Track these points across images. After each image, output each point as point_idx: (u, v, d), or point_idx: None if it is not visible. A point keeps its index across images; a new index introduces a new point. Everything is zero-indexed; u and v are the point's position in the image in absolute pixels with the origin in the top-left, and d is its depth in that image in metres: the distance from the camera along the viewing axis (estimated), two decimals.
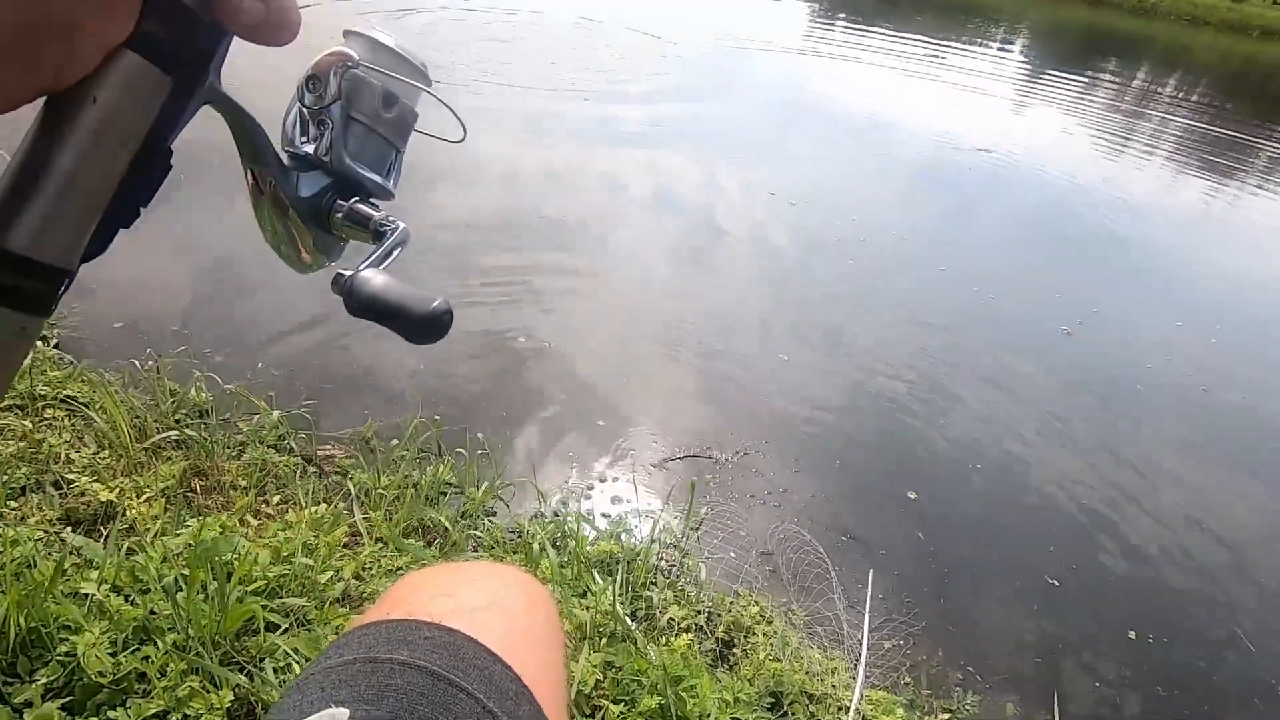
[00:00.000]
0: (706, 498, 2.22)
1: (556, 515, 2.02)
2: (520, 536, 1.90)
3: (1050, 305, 3.83)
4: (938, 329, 3.42)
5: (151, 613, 1.22)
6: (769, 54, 8.94)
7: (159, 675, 1.14)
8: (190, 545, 1.35)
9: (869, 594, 1.99)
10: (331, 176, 0.48)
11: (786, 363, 2.98)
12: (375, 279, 0.41)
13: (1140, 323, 3.84)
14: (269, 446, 2.00)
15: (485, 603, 0.55)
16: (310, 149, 0.47)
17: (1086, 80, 11.72)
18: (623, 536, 1.91)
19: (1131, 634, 2.03)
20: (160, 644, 1.17)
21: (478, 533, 1.83)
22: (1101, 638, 2.01)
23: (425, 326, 0.39)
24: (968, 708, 1.74)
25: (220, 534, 1.39)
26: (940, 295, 3.75)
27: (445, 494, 2.01)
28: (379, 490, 1.89)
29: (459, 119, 0.54)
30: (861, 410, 2.79)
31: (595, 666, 1.34)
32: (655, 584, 1.80)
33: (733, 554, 2.05)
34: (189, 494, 1.72)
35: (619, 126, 5.28)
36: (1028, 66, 12.57)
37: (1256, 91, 14.77)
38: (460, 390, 2.55)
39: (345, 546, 1.64)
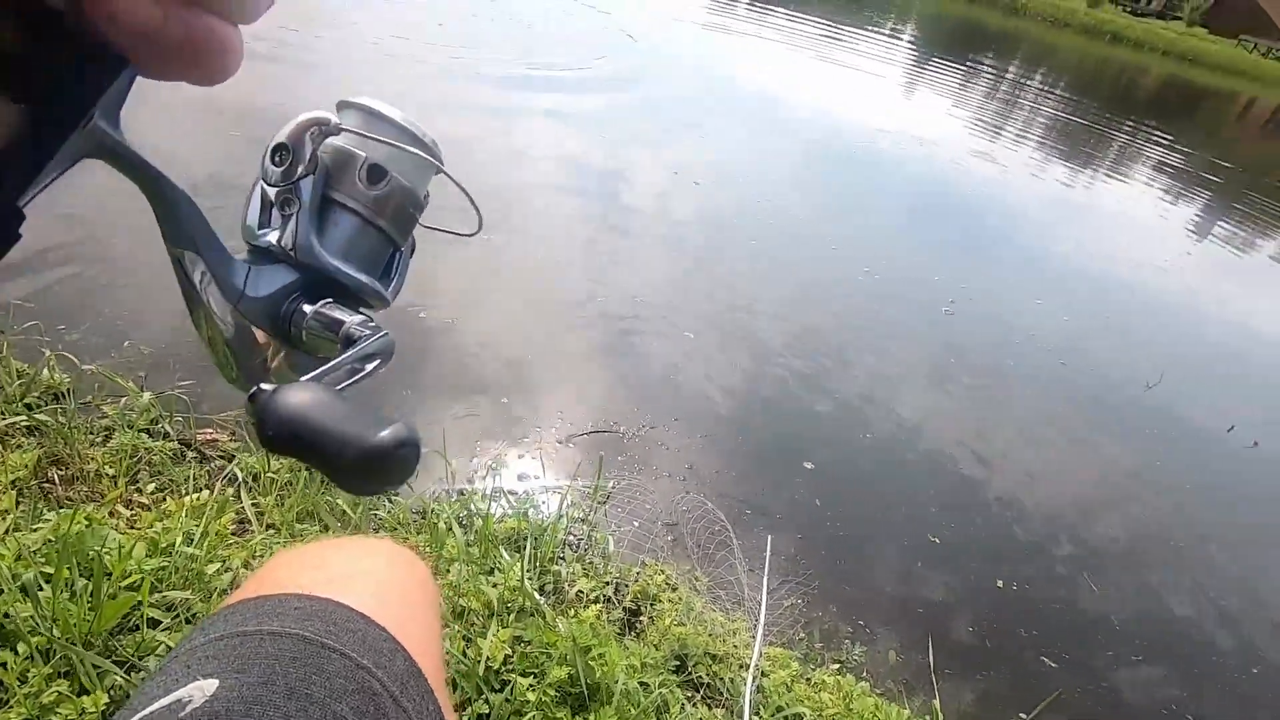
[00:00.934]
0: (613, 472, 2.25)
1: (462, 493, 1.99)
2: (425, 516, 1.86)
3: (931, 285, 4.10)
4: (833, 309, 3.59)
5: (6, 615, 1.11)
6: (677, 27, 8.94)
7: (19, 683, 1.04)
8: (50, 541, 1.24)
9: (768, 558, 2.09)
10: (298, 272, 0.38)
11: (692, 340, 3.04)
12: (299, 396, 0.28)
13: (1007, 300, 4.19)
14: (140, 431, 1.84)
15: (356, 571, 0.55)
16: (273, 238, 0.38)
17: (967, 69, 12.50)
18: (530, 513, 1.91)
19: (999, 583, 2.24)
20: (20, 649, 1.07)
21: (379, 514, 1.77)
22: (974, 588, 2.21)
23: (364, 466, 0.26)
24: (855, 658, 1.88)
25: (87, 527, 1.27)
26: (835, 275, 3.94)
27: None
28: (269, 474, 1.79)
29: (475, 205, 0.45)
30: (762, 386, 2.90)
31: (504, 641, 1.35)
32: (564, 558, 1.82)
33: (638, 525, 2.10)
34: (45, 485, 1.56)
35: (526, 102, 5.14)
36: (916, 53, 13.24)
37: (1108, 89, 16.29)
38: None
39: (233, 535, 1.55)
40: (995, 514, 2.54)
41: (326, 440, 0.26)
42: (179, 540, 1.36)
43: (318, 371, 0.34)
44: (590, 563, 1.86)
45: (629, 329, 3.02)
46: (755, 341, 3.16)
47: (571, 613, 1.58)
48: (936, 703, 1.69)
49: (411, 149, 0.41)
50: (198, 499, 1.55)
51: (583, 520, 2.01)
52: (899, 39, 14.36)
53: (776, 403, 2.82)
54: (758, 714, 1.53)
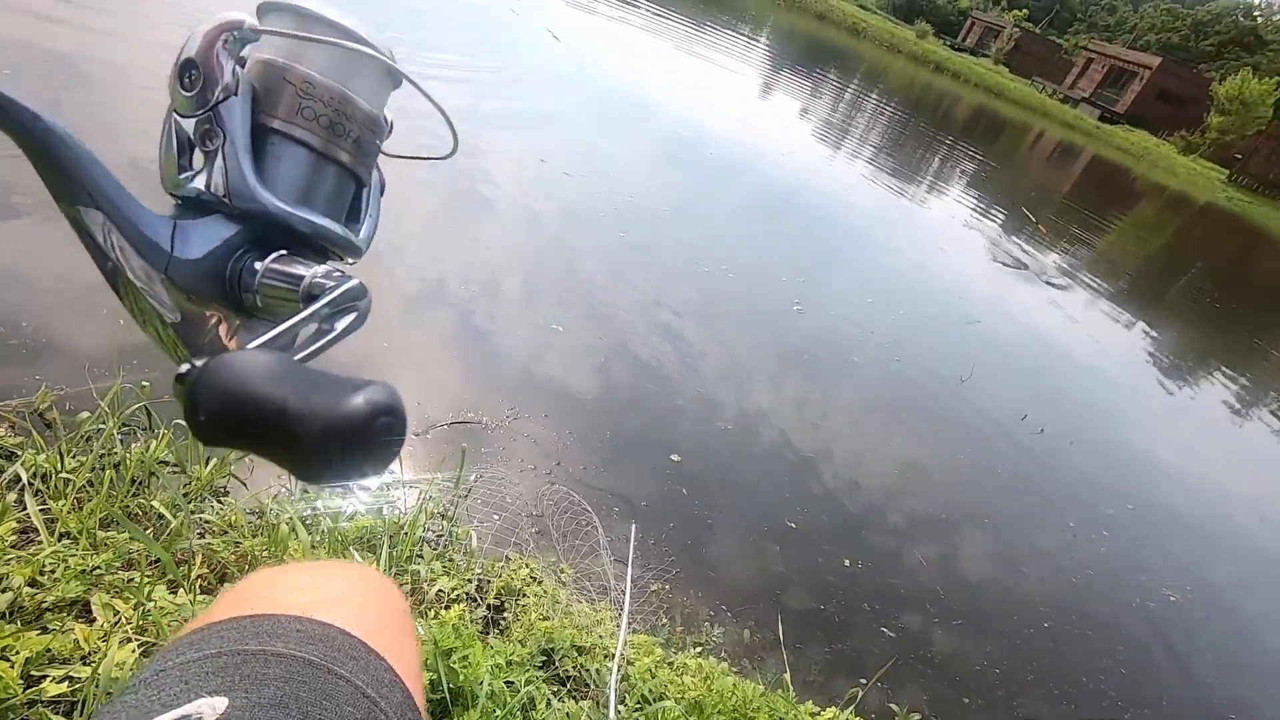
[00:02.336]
0: (475, 465, 2.17)
1: (306, 492, 1.82)
2: (261, 517, 1.67)
3: (780, 284, 4.34)
4: (694, 307, 3.69)
5: None
6: (540, 10, 8.74)
7: None
8: None
9: (632, 547, 2.11)
10: (238, 223, 0.29)
11: (559, 332, 3.00)
12: (240, 367, 0.21)
13: (849, 299, 4.54)
14: None
15: (344, 596, 0.53)
16: (200, 182, 0.29)
17: (815, 78, 13.37)
18: (384, 510, 1.78)
19: (846, 562, 2.42)
20: None
21: (205, 516, 1.57)
22: (824, 568, 2.37)
23: (330, 443, 0.21)
24: (715, 639, 1.95)
25: None
26: (694, 274, 4.06)
27: (156, 475, 1.69)
28: (63, 474, 1.53)
29: (448, 120, 0.37)
30: (626, 380, 2.92)
31: None
32: (422, 556, 1.72)
33: (500, 519, 2.03)
34: None
35: None
36: (770, 60, 13.94)
37: (931, 109, 18.14)
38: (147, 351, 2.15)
39: (13, 547, 1.30)
40: (846, 499, 2.74)
41: (278, 417, 0.20)
42: None
43: (266, 336, 0.27)
44: (451, 560, 1.78)
45: (489, 317, 2.92)
46: (619, 336, 3.17)
47: (432, 614, 1.50)
48: (787, 675, 1.79)
49: (362, 50, 0.31)
50: None
51: (442, 516, 1.92)
52: (756, 43, 15.04)
53: (641, 396, 2.85)
54: (623, 702, 1.53)
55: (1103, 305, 6.59)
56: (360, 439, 0.20)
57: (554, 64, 6.90)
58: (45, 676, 1.06)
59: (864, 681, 1.94)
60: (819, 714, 1.71)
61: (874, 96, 15.10)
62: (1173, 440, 4.63)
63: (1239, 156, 23.89)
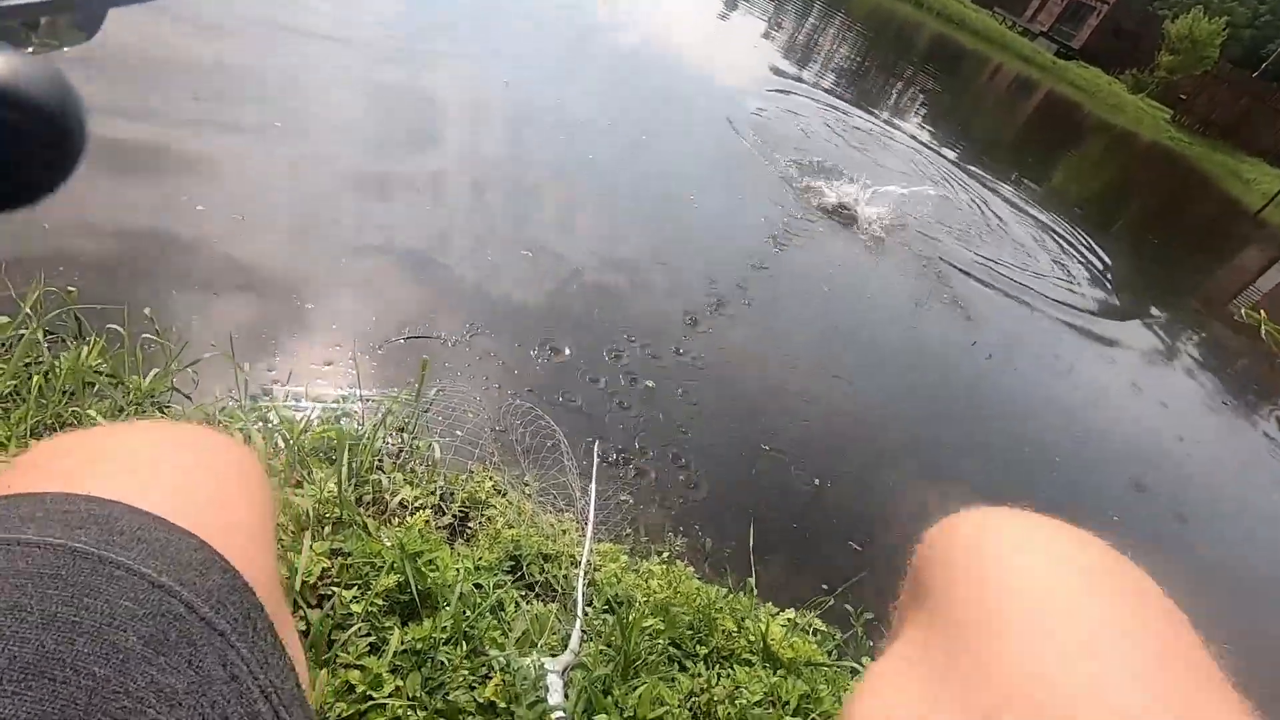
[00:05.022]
0: (436, 379, 2.11)
1: (258, 403, 1.74)
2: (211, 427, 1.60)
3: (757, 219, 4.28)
4: (648, 216, 3.62)
5: None
6: None
7: None
8: None
9: (595, 460, 2.11)
10: None
11: (526, 254, 2.90)
12: None
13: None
14: None
15: (151, 463, 0.42)
16: None
17: (778, 4, 12.95)
18: (343, 422, 1.72)
19: (816, 480, 2.48)
20: None
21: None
22: (795, 487, 2.42)
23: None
24: (676, 547, 1.98)
25: None
26: (641, 191, 3.96)
27: (94, 385, 1.59)
28: None
29: None
30: (586, 291, 2.86)
31: (320, 554, 1.21)
32: (382, 468, 1.68)
33: (462, 433, 2.00)
34: None
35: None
36: None
37: (893, 37, 17.87)
38: (112, 259, 2.01)
39: None
40: (821, 417, 2.76)
41: None
42: None
43: None
44: (413, 472, 1.74)
45: (448, 235, 2.80)
46: (581, 245, 3.09)
47: (395, 522, 1.47)
48: (752, 579, 1.84)
49: None
50: None
51: (401, 430, 1.87)
52: None
53: (608, 308, 2.80)
54: (591, 604, 1.55)
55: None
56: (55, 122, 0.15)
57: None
58: None
59: (827, 587, 2.01)
60: (778, 614, 1.77)
61: (836, 22, 14.74)
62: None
63: (1184, 97, 24.36)
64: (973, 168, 7.24)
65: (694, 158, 4.81)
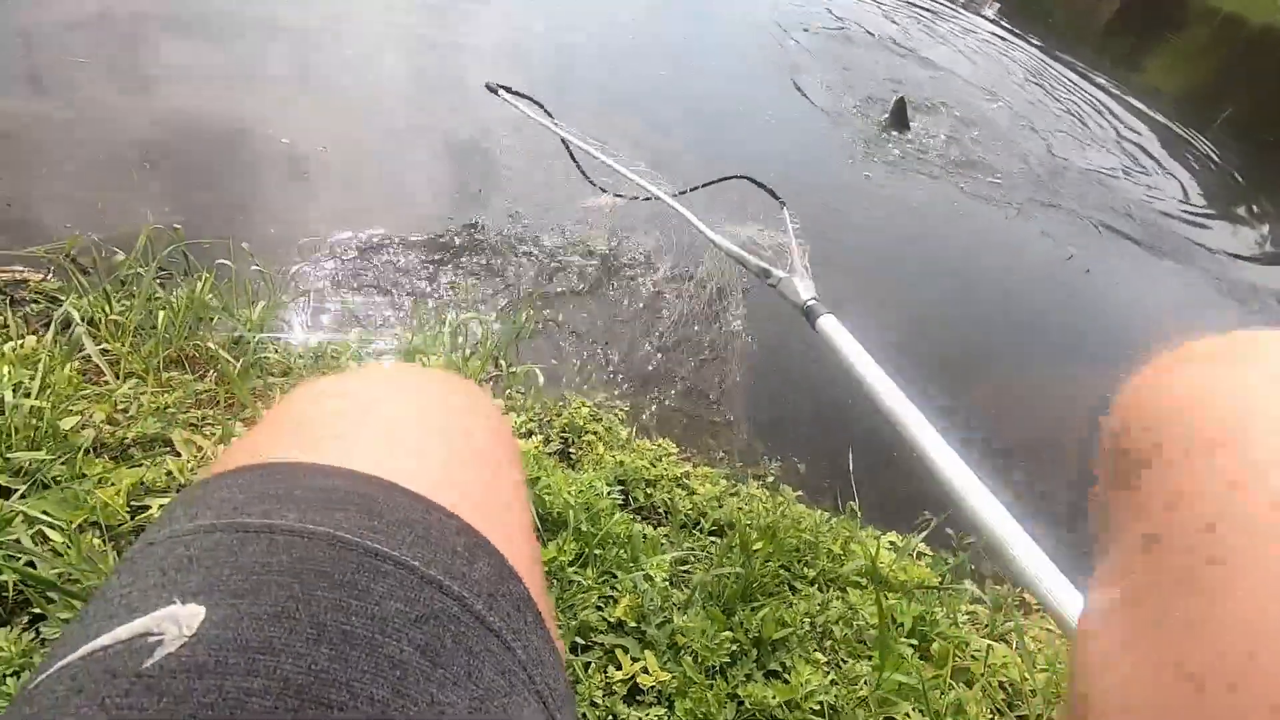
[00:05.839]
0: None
1: (363, 331, 1.77)
2: (318, 360, 1.64)
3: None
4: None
5: None
6: None
7: None
8: None
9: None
10: None
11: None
12: None
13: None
14: None
15: (403, 424, 0.37)
16: None
17: None
18: (446, 348, 1.74)
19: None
20: None
21: (268, 356, 1.53)
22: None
23: None
24: (772, 472, 1.97)
25: None
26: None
27: (209, 319, 1.63)
28: (113, 317, 1.47)
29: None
30: None
31: None
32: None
33: (554, 361, 2.00)
34: None
35: None
36: None
37: None
38: (208, 195, 2.03)
39: (87, 385, 1.27)
40: (932, 343, 2.61)
41: None
42: (9, 394, 1.08)
43: None
44: (512, 398, 1.76)
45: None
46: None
47: None
48: (854, 503, 1.82)
49: None
50: (22, 346, 1.24)
51: (498, 359, 1.88)
52: None
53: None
54: (697, 526, 1.56)
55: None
56: None
57: None
58: (146, 507, 1.05)
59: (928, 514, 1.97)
60: (880, 537, 1.75)
61: None
62: None
63: None
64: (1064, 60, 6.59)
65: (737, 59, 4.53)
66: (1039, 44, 6.78)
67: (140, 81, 2.36)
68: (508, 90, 1.79)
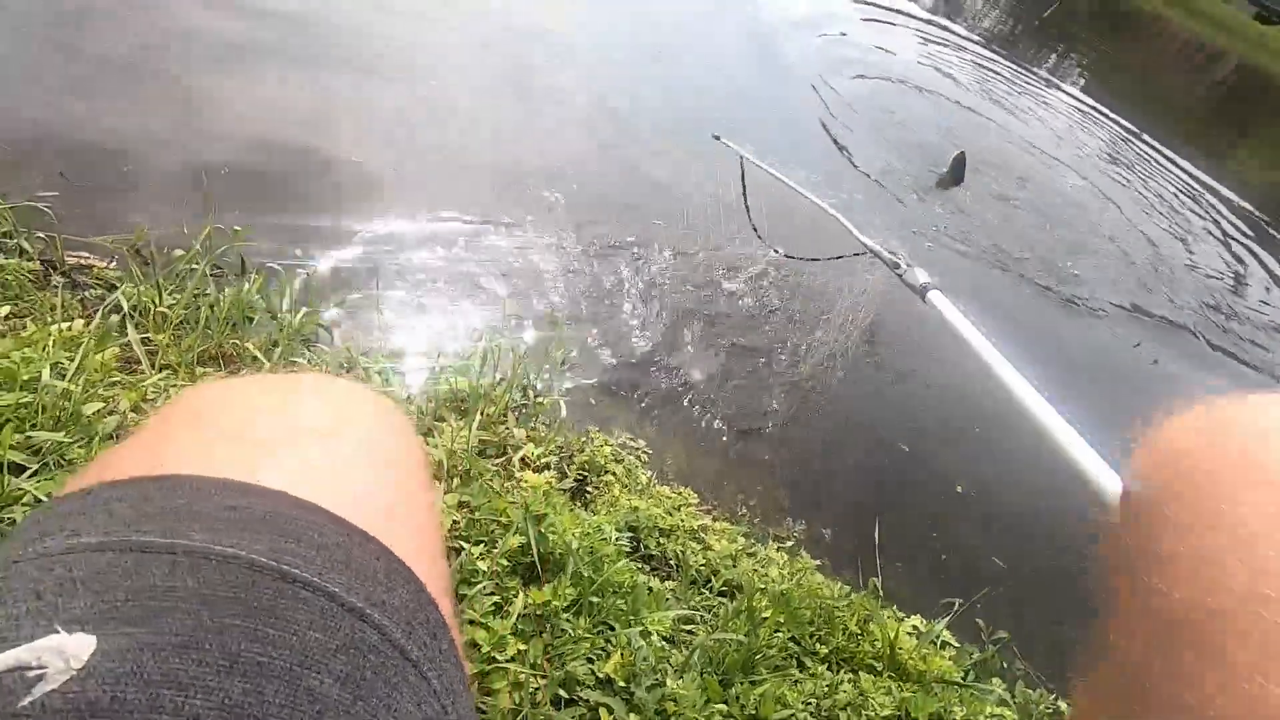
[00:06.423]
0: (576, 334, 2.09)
1: (394, 352, 1.79)
2: (350, 371, 1.65)
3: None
4: None
5: None
6: None
7: None
8: None
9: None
10: None
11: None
12: None
13: None
14: None
15: (314, 437, 0.35)
16: None
17: None
18: (475, 373, 1.73)
19: (959, 488, 2.30)
20: None
21: (298, 361, 1.55)
22: (935, 491, 2.24)
23: None
24: (796, 535, 1.89)
25: None
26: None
27: (253, 319, 1.67)
28: (160, 309, 1.52)
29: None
30: None
31: (451, 508, 1.21)
32: (505, 421, 1.68)
33: (581, 392, 1.97)
34: None
35: None
36: None
37: None
38: (270, 196, 2.10)
39: (120, 373, 1.30)
40: (964, 422, 2.50)
41: None
42: (46, 373, 1.11)
43: None
44: (535, 429, 1.74)
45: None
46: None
47: (517, 478, 1.46)
48: (877, 580, 1.72)
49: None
50: (69, 328, 1.28)
51: (527, 387, 1.86)
52: None
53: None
54: (708, 585, 1.50)
55: None
56: None
57: None
58: None
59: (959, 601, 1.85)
60: (904, 620, 1.65)
61: None
62: None
63: None
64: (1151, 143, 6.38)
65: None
66: (1128, 122, 6.60)
67: (240, 100, 2.48)
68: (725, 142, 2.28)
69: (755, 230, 2.41)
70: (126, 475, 0.29)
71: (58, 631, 0.22)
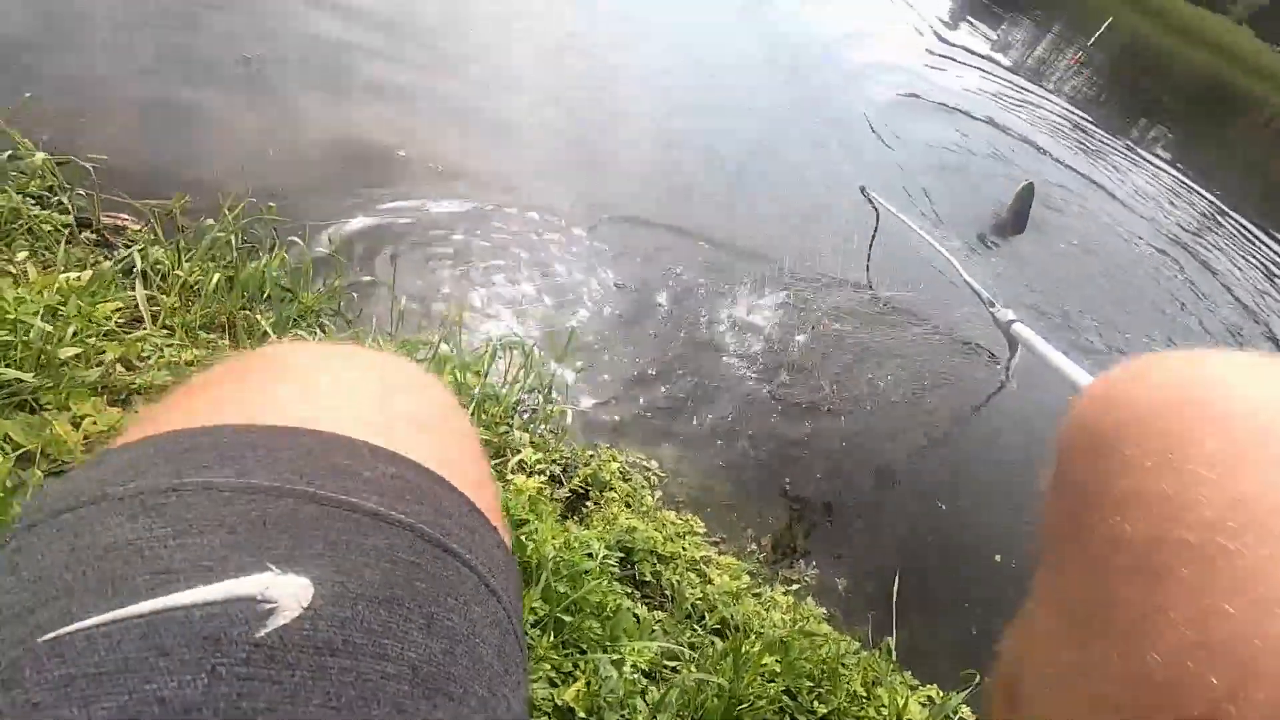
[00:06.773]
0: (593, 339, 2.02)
1: (406, 341, 1.74)
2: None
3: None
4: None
5: None
6: None
7: None
8: None
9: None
10: None
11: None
12: None
13: None
14: (25, 195, 1.53)
15: (410, 410, 0.34)
16: None
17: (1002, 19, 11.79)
18: (484, 368, 1.67)
19: (997, 558, 2.12)
20: None
21: (303, 335, 1.52)
22: (972, 554, 2.06)
23: None
24: (807, 579, 1.75)
25: None
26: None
27: (270, 296, 1.65)
28: (177, 272, 1.51)
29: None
30: None
31: None
32: (511, 423, 1.60)
33: (594, 402, 1.89)
34: None
35: None
36: None
37: (1142, 69, 15.65)
38: (312, 181, 2.12)
39: (118, 327, 1.28)
40: (1002, 487, 2.31)
41: None
42: (38, 314, 1.09)
43: None
44: (539, 436, 1.66)
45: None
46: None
47: (509, 481, 1.38)
48: (891, 640, 1.56)
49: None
50: (75, 278, 1.27)
51: (539, 390, 1.79)
52: None
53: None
54: (702, 621, 1.37)
55: None
56: None
57: None
58: None
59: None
60: (918, 689, 1.48)
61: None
62: None
63: None
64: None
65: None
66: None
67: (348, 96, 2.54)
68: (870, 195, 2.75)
69: (868, 273, 2.76)
70: (227, 422, 0.28)
71: (269, 569, 0.22)
